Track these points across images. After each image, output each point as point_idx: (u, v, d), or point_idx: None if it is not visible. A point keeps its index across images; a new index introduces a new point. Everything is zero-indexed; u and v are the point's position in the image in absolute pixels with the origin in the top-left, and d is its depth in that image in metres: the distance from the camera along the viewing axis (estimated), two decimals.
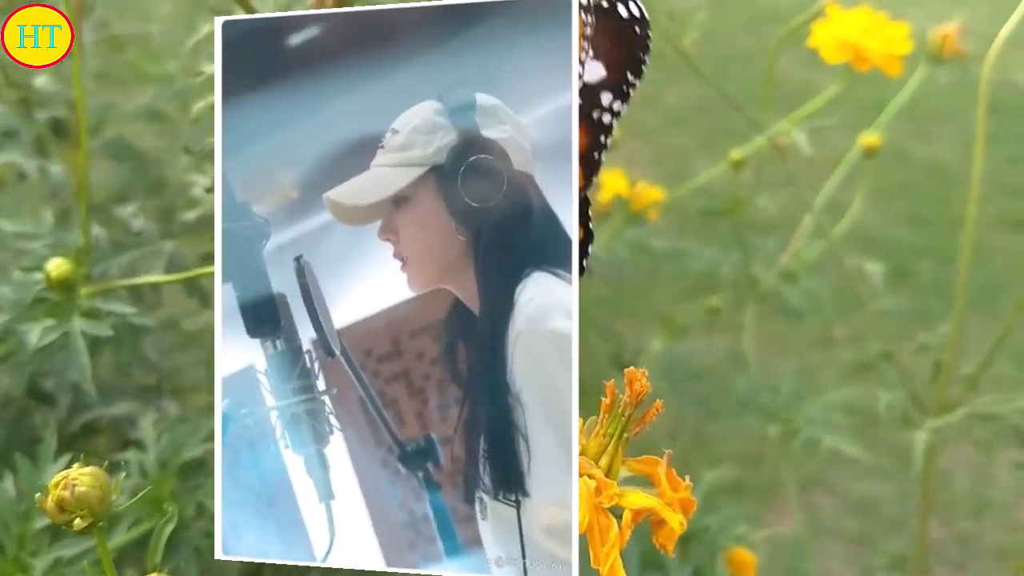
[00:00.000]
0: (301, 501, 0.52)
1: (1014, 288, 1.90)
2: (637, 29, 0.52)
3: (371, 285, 0.51)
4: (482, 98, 0.49)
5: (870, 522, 1.96)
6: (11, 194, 1.07)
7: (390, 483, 0.51)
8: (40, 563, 0.67)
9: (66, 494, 0.48)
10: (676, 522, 0.51)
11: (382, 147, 0.50)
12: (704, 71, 0.94)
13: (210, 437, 0.83)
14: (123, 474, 0.52)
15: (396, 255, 0.51)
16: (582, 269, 0.50)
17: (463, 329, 0.50)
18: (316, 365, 0.52)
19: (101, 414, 0.92)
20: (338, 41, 0.50)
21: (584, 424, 0.54)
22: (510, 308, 0.49)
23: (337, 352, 0.51)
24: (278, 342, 0.51)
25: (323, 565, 0.51)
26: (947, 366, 0.92)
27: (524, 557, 0.49)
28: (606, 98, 0.52)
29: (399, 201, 0.50)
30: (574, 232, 0.46)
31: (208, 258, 0.83)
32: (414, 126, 0.49)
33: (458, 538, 0.51)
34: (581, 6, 0.48)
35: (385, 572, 0.50)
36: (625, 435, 0.54)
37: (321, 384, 0.52)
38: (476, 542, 0.50)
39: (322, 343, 0.51)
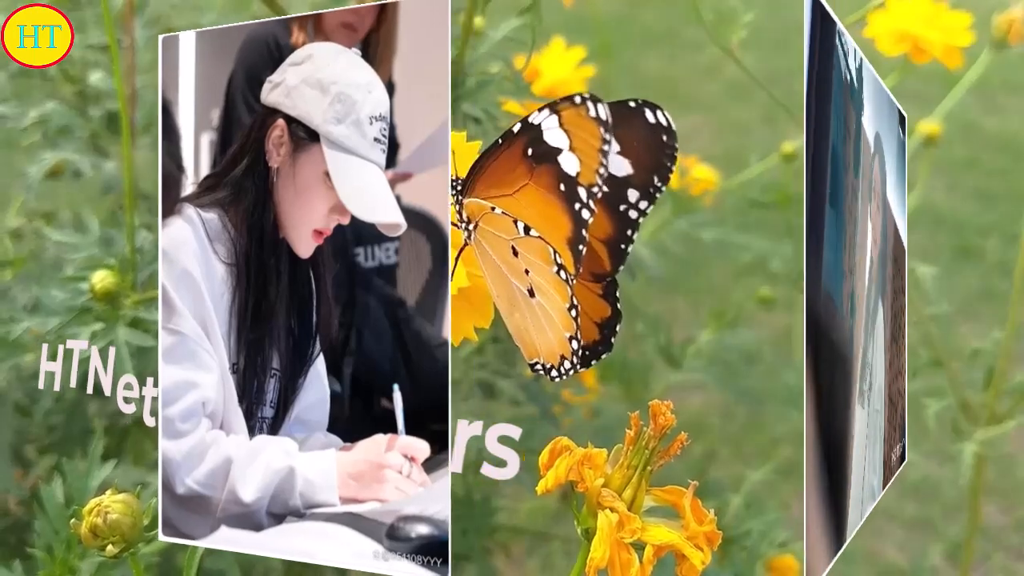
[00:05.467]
0: None
1: None
2: (664, 138, 0.54)
3: None
4: None
5: (928, 506, 1.92)
6: (68, 188, 1.09)
7: None
8: (86, 565, 0.68)
9: (99, 521, 0.50)
10: (698, 560, 0.50)
11: None
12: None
13: None
14: (154, 499, 0.53)
15: None
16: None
17: None
18: None
19: None
20: None
21: (609, 455, 0.54)
22: None
23: None
24: None
25: None
26: (1000, 373, 0.89)
27: None
28: (633, 195, 0.55)
29: None
30: None
31: None
32: None
33: None
34: (600, 120, 0.50)
35: None
36: (649, 468, 0.53)
37: None
38: None
39: None
